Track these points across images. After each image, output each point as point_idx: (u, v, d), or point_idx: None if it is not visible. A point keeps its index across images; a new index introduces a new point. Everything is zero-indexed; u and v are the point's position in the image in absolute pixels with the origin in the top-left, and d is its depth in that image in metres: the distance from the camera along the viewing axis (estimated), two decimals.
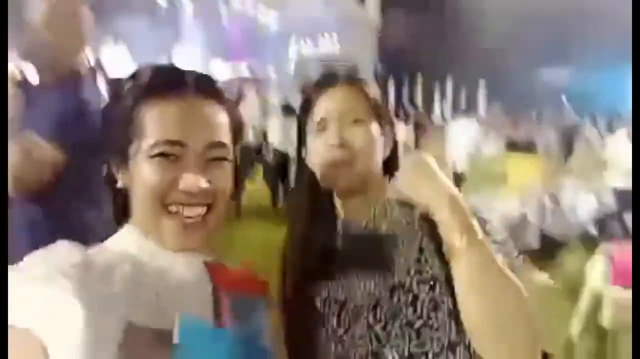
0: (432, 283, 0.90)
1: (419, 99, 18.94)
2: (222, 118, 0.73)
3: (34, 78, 1.86)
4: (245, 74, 16.32)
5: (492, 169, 6.44)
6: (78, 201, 1.83)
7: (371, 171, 0.96)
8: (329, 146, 0.92)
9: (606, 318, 3.54)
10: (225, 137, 0.73)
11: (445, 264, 0.88)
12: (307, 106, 0.98)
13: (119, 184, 0.74)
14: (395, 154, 1.02)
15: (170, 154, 0.67)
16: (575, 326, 3.56)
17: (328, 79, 0.98)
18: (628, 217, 4.75)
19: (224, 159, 0.72)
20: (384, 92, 19.04)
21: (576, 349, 3.38)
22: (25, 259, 0.66)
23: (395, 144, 1.02)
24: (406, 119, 10.17)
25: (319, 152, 0.94)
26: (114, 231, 0.76)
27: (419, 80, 18.68)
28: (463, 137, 6.68)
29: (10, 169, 1.69)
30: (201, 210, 0.70)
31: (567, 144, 13.72)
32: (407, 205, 0.95)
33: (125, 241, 0.72)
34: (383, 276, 0.92)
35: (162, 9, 17.16)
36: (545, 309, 3.90)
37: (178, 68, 0.76)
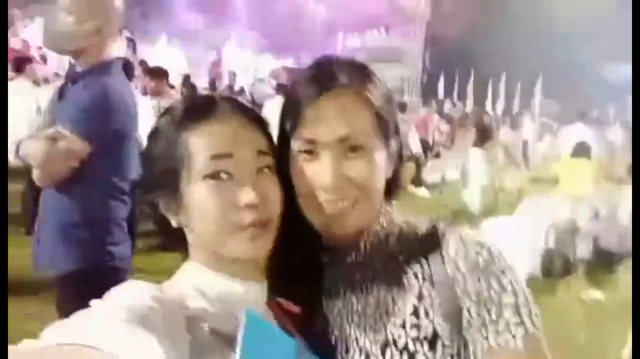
0: (432, 340, 0.71)
1: (470, 96, 18.31)
2: (259, 131, 0.74)
3: (58, 68, 1.89)
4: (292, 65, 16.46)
5: (544, 172, 6.10)
6: (102, 190, 1.84)
7: (375, 208, 0.78)
8: (321, 186, 0.72)
9: None
10: (267, 147, 0.74)
11: (449, 318, 0.71)
12: (293, 114, 0.74)
13: (174, 224, 0.73)
14: (399, 171, 0.81)
15: (222, 172, 0.68)
16: (628, 347, 3.27)
17: (322, 81, 0.73)
18: None
19: (271, 168, 0.73)
20: (434, 88, 18.62)
21: None
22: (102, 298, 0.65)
23: (400, 159, 0.81)
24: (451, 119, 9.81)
25: (305, 182, 0.74)
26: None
27: (472, 75, 18.02)
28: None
29: (36, 160, 1.74)
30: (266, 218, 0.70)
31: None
32: (408, 234, 0.79)
33: (189, 278, 0.73)
34: (373, 328, 0.75)
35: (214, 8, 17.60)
36: (595, 327, 3.63)
37: (209, 95, 0.79)
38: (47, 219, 1.87)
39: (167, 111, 0.75)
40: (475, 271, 0.70)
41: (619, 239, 5.36)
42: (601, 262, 5.27)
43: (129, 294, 0.62)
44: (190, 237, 0.74)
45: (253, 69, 16.31)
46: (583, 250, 5.25)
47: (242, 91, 11.48)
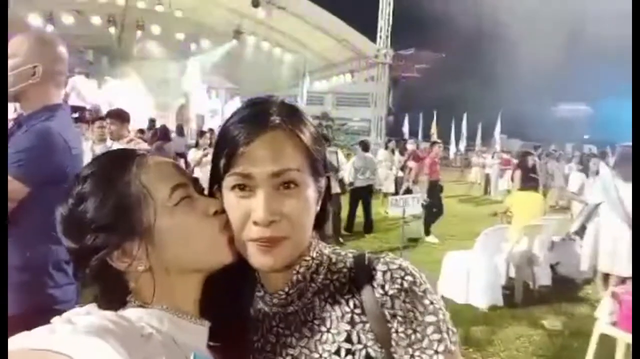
0: None
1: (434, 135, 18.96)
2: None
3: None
4: None
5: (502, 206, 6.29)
6: (42, 233, 1.77)
7: (304, 243, 0.79)
8: (254, 220, 0.73)
9: None
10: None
11: (380, 340, 0.75)
12: (228, 152, 0.75)
13: (141, 268, 0.73)
14: (326, 205, 0.84)
15: (186, 197, 0.75)
16: None
17: (257, 122, 0.75)
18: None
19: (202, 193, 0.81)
20: (399, 128, 19.13)
21: None
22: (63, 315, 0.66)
23: (328, 195, 0.84)
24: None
25: (239, 216, 0.75)
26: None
27: (434, 116, 18.75)
28: None
29: None
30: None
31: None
32: (337, 264, 0.83)
33: (139, 313, 0.72)
34: (309, 358, 0.78)
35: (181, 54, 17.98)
36: (554, 353, 3.66)
37: (129, 149, 0.84)
38: None
39: (95, 161, 0.78)
40: (401, 293, 0.74)
41: (576, 265, 5.53)
42: (561, 290, 5.40)
43: (89, 314, 0.65)
44: (144, 287, 0.74)
45: (221, 112, 16.53)
46: (543, 278, 5.37)
47: (211, 131, 11.55)
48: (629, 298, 3.06)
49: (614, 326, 3.16)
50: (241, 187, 0.74)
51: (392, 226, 8.47)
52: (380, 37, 15.53)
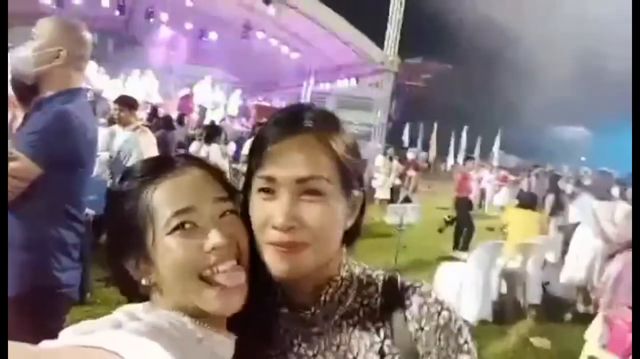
0: None
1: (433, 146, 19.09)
2: (215, 180, 0.78)
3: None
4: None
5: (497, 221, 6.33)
6: (51, 215, 1.82)
7: (327, 255, 0.75)
8: (274, 224, 0.71)
9: None
10: (225, 193, 0.77)
11: None
12: (258, 153, 0.74)
13: (144, 282, 0.73)
14: (360, 222, 0.80)
15: (186, 223, 0.70)
16: None
17: (288, 123, 0.73)
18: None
19: (233, 212, 0.76)
20: (398, 136, 19.25)
21: None
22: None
23: (362, 210, 0.80)
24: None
25: (261, 220, 0.73)
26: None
27: (435, 127, 18.85)
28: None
29: None
30: (235, 267, 0.72)
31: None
32: (367, 287, 0.79)
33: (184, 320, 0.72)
34: None
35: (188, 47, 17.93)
36: None
37: (166, 154, 0.83)
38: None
39: (128, 173, 0.76)
40: (437, 329, 0.73)
41: (567, 286, 5.59)
42: (550, 309, 5.44)
43: (152, 313, 0.66)
44: (158, 298, 0.74)
45: (224, 105, 16.50)
46: (533, 296, 5.42)
47: (212, 124, 11.55)
48: (621, 323, 3.11)
49: (603, 349, 3.20)
50: (266, 190, 0.72)
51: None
52: (388, 44, 15.57)
